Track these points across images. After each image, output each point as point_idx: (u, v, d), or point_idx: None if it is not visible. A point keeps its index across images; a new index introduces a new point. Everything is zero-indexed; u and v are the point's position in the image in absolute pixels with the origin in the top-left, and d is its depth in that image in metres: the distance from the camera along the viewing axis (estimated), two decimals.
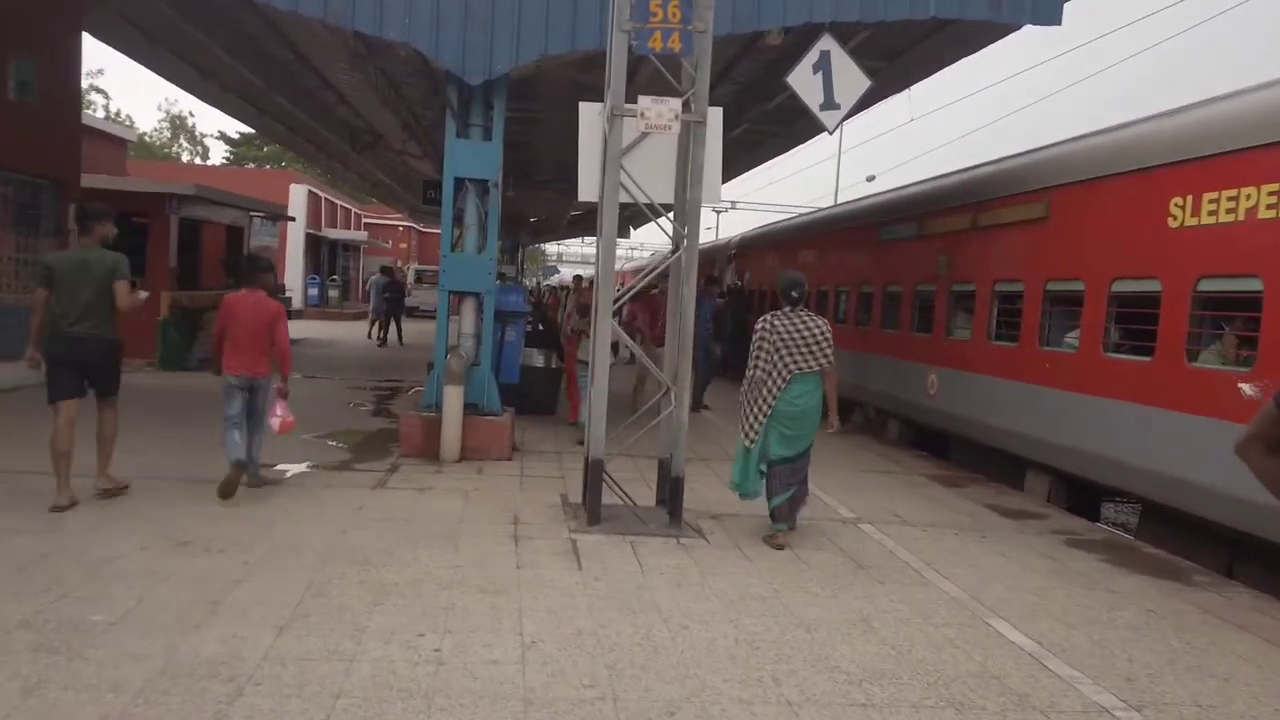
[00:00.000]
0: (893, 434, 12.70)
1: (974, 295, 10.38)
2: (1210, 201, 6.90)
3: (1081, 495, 8.95)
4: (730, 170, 19.80)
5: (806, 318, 6.51)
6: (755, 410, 6.54)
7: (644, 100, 6.31)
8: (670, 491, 6.67)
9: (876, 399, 13.17)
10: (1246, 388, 6.43)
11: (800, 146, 16.64)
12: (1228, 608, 5.75)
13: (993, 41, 10.02)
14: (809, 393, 6.49)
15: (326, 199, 38.23)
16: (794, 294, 6.57)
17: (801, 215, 19.01)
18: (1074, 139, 9.10)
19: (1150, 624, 5.35)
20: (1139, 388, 7.55)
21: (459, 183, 8.96)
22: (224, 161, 59.19)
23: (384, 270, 25.57)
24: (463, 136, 8.92)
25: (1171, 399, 7.17)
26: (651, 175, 6.82)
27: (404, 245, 48.37)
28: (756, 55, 10.76)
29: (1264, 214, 6.40)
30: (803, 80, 8.80)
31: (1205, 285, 6.94)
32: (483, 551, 5.86)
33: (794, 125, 14.78)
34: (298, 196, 33.80)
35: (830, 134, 8.97)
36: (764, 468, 6.62)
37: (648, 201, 6.66)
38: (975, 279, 10.36)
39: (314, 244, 36.17)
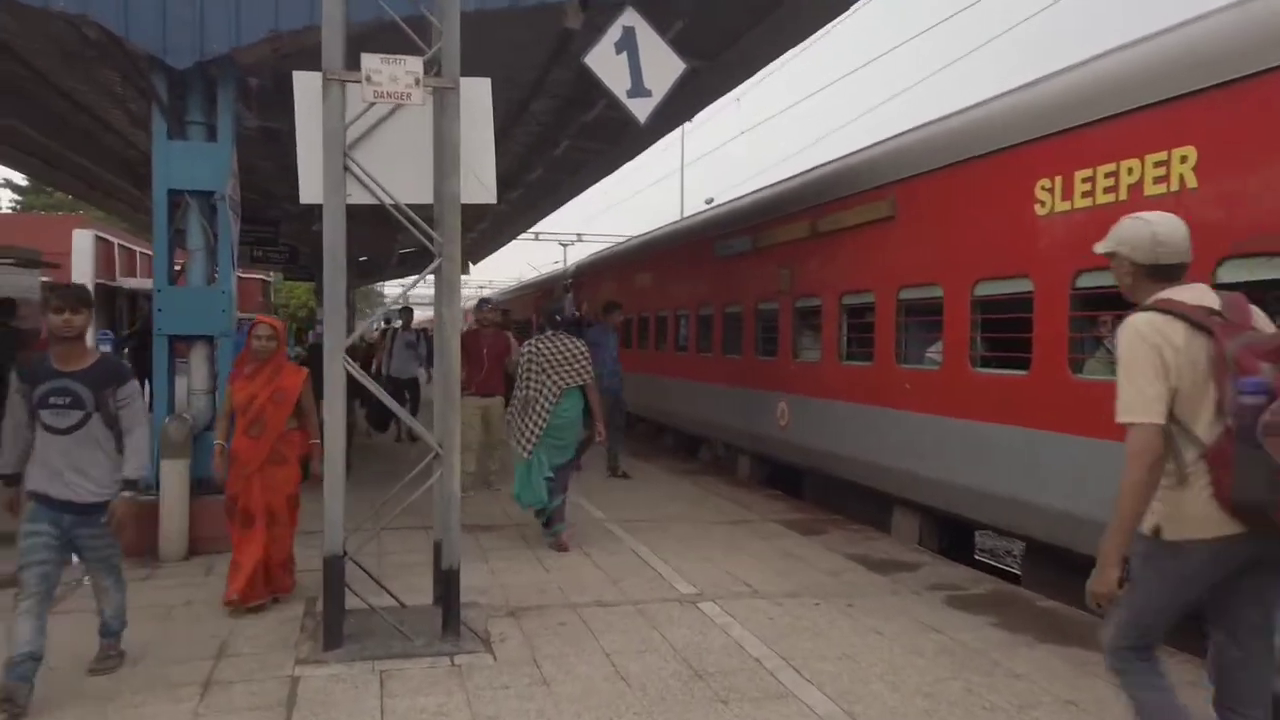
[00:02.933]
0: (743, 472, 11.33)
1: (820, 311, 9.14)
2: (1084, 181, 5.78)
3: (957, 533, 7.75)
4: (556, 196, 18.33)
5: (566, 340, 7.43)
6: (530, 425, 7.17)
7: (370, 60, 4.61)
8: (444, 590, 4.91)
9: (724, 434, 11.79)
10: None
11: (637, 165, 15.42)
12: None
13: (820, 26, 8.89)
14: (574, 406, 7.30)
15: (121, 245, 34.36)
16: (557, 318, 7.78)
17: (637, 236, 17.66)
18: (922, 125, 7.99)
19: None
20: (1017, 408, 6.35)
21: (174, 196, 6.98)
22: (11, 209, 53.37)
23: None
24: (178, 137, 6.95)
25: (1055, 419, 5.98)
26: (401, 168, 5.08)
27: None
28: (570, 62, 9.32)
29: (1151, 190, 5.30)
30: (605, 62, 7.30)
31: (1087, 281, 5.81)
32: (145, 717, 3.94)
33: (619, 140, 13.47)
34: (82, 243, 30.02)
35: (642, 124, 7.52)
36: (550, 474, 7.19)
37: (393, 203, 4.94)
38: (820, 292, 9.13)
39: (107, 295, 32.29)
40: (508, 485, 8.86)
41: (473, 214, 21.75)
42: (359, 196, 5.04)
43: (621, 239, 22.24)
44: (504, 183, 16.96)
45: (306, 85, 4.96)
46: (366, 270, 34.89)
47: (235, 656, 4.65)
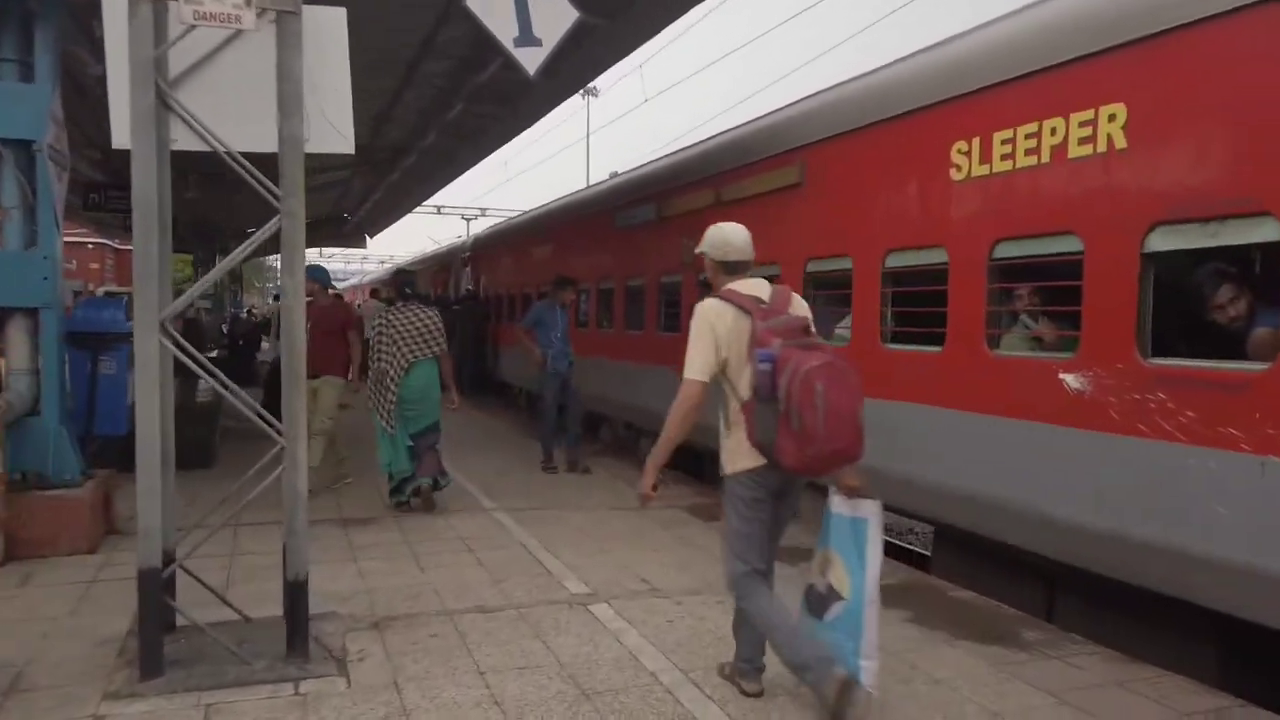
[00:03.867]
0: (644, 452, 10.79)
1: None
2: (1004, 144, 5.38)
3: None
4: (453, 165, 17.35)
5: (419, 310, 7.51)
6: (386, 398, 7.29)
7: None
8: (290, 603, 4.21)
9: (624, 412, 11.25)
10: (1070, 379, 4.92)
11: (543, 137, 14.65)
12: (1085, 689, 4.13)
13: None
14: (423, 375, 7.38)
15: None
16: (406, 290, 7.78)
17: (536, 208, 16.90)
18: (833, 86, 7.52)
19: None
20: (929, 386, 5.96)
21: None
22: None
23: None
24: None
25: (970, 399, 5.61)
26: (241, 109, 4.30)
27: (95, 266, 41.69)
28: (460, 21, 8.53)
29: (1076, 152, 4.92)
30: (489, 6, 6.59)
31: (1004, 250, 5.43)
32: None
33: (516, 106, 12.70)
34: None
35: (531, 77, 6.84)
36: (410, 443, 7.34)
37: (227, 150, 4.17)
38: None
39: None
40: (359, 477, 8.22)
41: (366, 183, 20.64)
42: (186, 142, 4.28)
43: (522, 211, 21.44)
44: (396, 149, 16.15)
45: (116, 6, 4.13)
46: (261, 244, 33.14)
47: (28, 692, 3.87)
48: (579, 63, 10.58)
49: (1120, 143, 4.64)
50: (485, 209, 43.46)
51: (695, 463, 9.57)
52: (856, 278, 6.71)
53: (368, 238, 34.08)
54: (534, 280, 14.77)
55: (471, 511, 7.44)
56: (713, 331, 3.67)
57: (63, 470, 6.16)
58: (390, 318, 7.44)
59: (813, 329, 3.69)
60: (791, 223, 7.55)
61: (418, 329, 7.38)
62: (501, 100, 12.40)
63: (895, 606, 5.23)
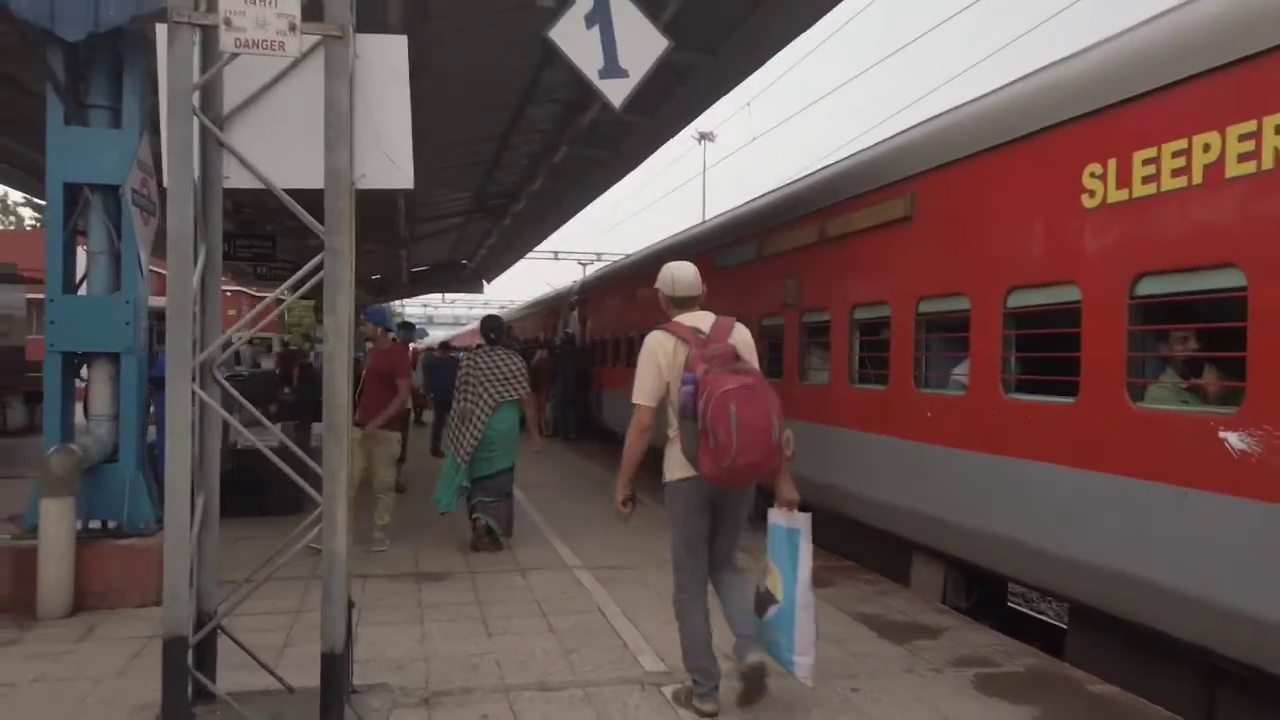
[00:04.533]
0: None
1: (829, 326, 8.03)
2: (1146, 164, 4.66)
3: (987, 585, 6.59)
4: (562, 209, 17.40)
5: (504, 354, 7.71)
6: (467, 437, 7.45)
7: (230, 1, 3.61)
8: (326, 676, 3.83)
9: None
10: (1233, 438, 4.12)
11: (655, 178, 14.43)
12: None
13: (825, 12, 7.84)
14: (509, 418, 7.60)
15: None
16: (491, 335, 7.87)
17: (639, 251, 16.63)
18: (948, 110, 6.89)
19: None
20: (1061, 443, 5.21)
21: (73, 190, 6.03)
22: (32, 227, 53.56)
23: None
24: (76, 122, 6.00)
25: (1109, 458, 4.84)
26: (296, 143, 4.07)
27: (231, 313, 43.80)
28: (561, 63, 8.31)
29: (1234, 171, 4.17)
30: (573, 37, 6.29)
31: (1147, 287, 4.68)
32: None
33: (619, 145, 12.51)
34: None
35: (617, 109, 6.48)
36: (466, 484, 7.51)
37: (282, 187, 3.92)
38: (829, 305, 8.03)
39: None
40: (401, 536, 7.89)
41: (481, 228, 20.90)
42: (239, 178, 4.07)
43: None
44: (507, 194, 16.22)
45: (165, 38, 3.96)
46: (382, 289, 34.20)
47: None
48: (679, 101, 10.29)
49: None
50: (600, 254, 43.82)
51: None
52: (975, 318, 6.03)
53: (485, 283, 34.82)
54: (635, 324, 14.44)
55: (552, 569, 6.99)
56: (656, 360, 4.17)
57: (137, 518, 6.06)
58: (476, 360, 7.64)
59: (741, 355, 4.09)
60: (901, 259, 6.91)
61: (503, 372, 7.57)
62: (604, 143, 12.26)
63: (1022, 700, 4.49)
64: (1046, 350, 5.44)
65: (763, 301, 9.29)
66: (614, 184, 15.48)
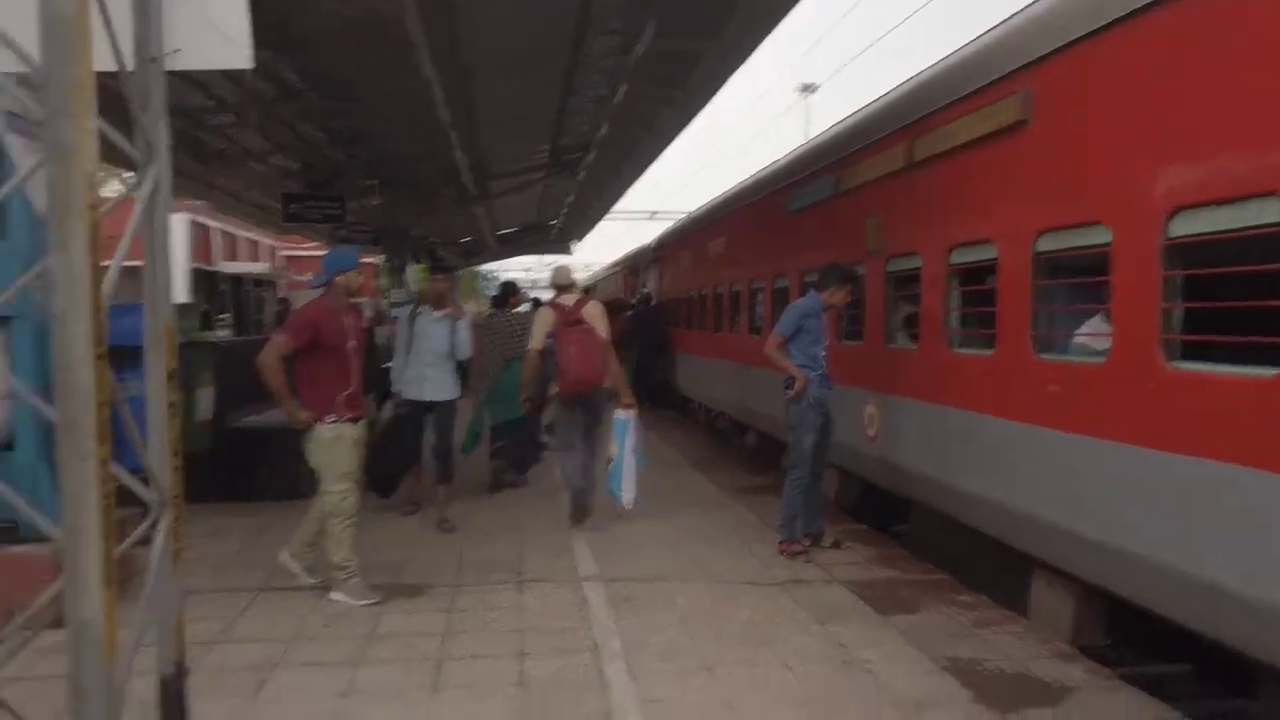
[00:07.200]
0: (828, 491, 8.56)
1: (919, 275, 6.33)
2: None
3: (1138, 618, 4.86)
4: (636, 155, 15.90)
5: (513, 315, 9.09)
6: (484, 387, 8.59)
7: None
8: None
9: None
10: None
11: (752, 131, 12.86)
12: None
13: None
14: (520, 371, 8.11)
15: (223, 229, 34.08)
16: (501, 298, 9.71)
17: (715, 198, 14.91)
18: None
19: None
20: (1246, 432, 3.47)
21: None
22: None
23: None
24: None
25: None
26: None
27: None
28: None
29: None
30: None
31: None
32: None
33: (684, 82, 10.96)
34: (178, 229, 29.66)
35: None
36: (490, 424, 8.70)
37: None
38: (919, 247, 6.31)
39: (206, 280, 31.95)
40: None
41: (560, 186, 19.64)
42: None
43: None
44: (580, 147, 14.96)
45: None
46: (471, 250, 33.48)
47: None
48: (741, 21, 8.69)
49: None
50: (691, 212, 42.17)
51: (888, 508, 7.29)
52: (1117, 259, 4.27)
53: (574, 243, 33.74)
54: (711, 280, 12.86)
55: (557, 581, 5.59)
56: (543, 322, 7.01)
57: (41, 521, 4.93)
58: (491, 321, 9.06)
59: (583, 320, 6.89)
60: (1013, 180, 5.16)
61: (513, 330, 8.62)
62: (669, 81, 10.79)
63: None
64: (1231, 298, 3.67)
65: (843, 248, 7.58)
66: (685, 125, 13.93)
